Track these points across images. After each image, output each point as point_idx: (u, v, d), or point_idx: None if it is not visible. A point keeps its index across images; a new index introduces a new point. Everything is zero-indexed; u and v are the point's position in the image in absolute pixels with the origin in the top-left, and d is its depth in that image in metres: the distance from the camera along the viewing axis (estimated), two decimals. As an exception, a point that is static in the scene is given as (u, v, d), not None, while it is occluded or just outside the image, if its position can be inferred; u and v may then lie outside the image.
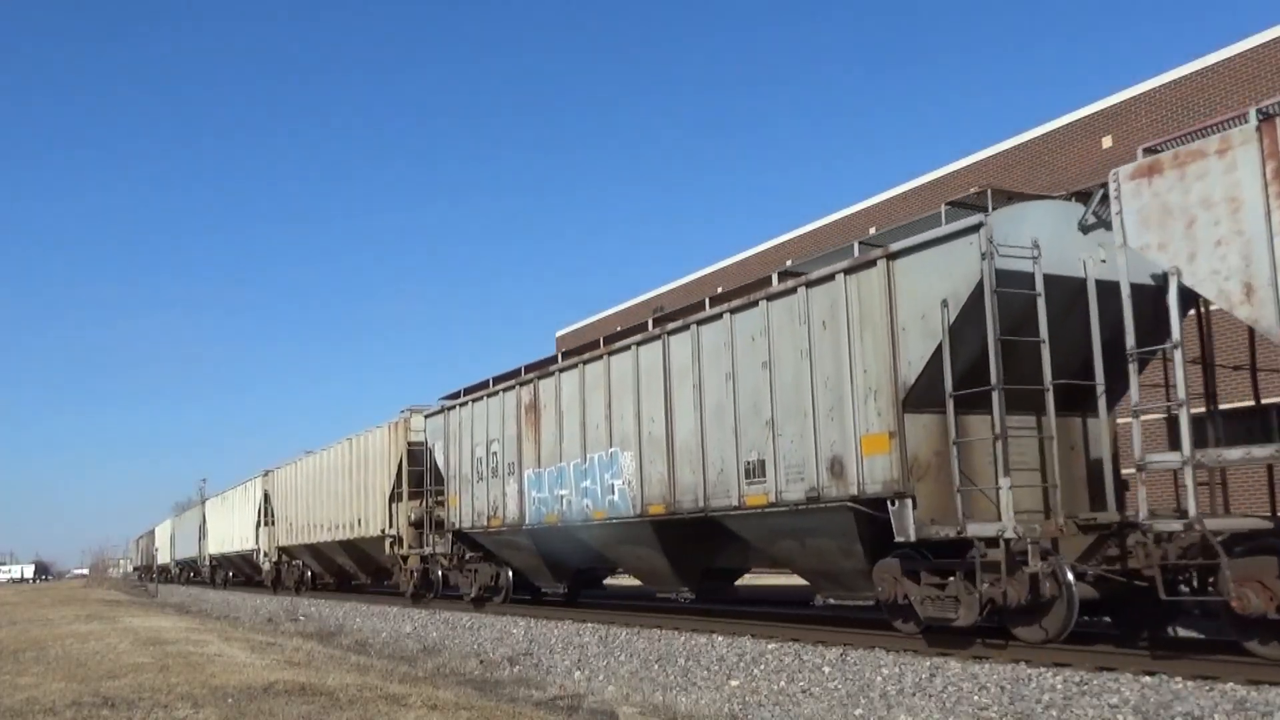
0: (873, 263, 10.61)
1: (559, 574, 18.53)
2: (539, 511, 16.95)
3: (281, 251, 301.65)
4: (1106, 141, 25.99)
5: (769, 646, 11.41)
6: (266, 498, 34.98)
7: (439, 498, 21.54)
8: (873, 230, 32.76)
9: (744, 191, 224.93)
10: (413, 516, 23.20)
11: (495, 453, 18.70)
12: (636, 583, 17.62)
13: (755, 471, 11.99)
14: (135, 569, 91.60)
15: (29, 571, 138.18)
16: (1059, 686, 8.26)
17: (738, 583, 16.90)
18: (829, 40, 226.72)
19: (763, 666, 10.74)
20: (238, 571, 44.73)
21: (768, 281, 12.59)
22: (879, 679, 9.46)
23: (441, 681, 11.61)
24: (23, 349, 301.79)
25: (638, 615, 16.14)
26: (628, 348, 14.67)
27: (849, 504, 10.67)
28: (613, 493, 14.84)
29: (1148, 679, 8.07)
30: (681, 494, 13.28)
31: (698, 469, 12.96)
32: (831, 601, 13.91)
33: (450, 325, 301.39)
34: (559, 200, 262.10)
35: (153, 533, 74.74)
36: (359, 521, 26.24)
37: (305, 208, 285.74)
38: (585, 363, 15.79)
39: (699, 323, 13.17)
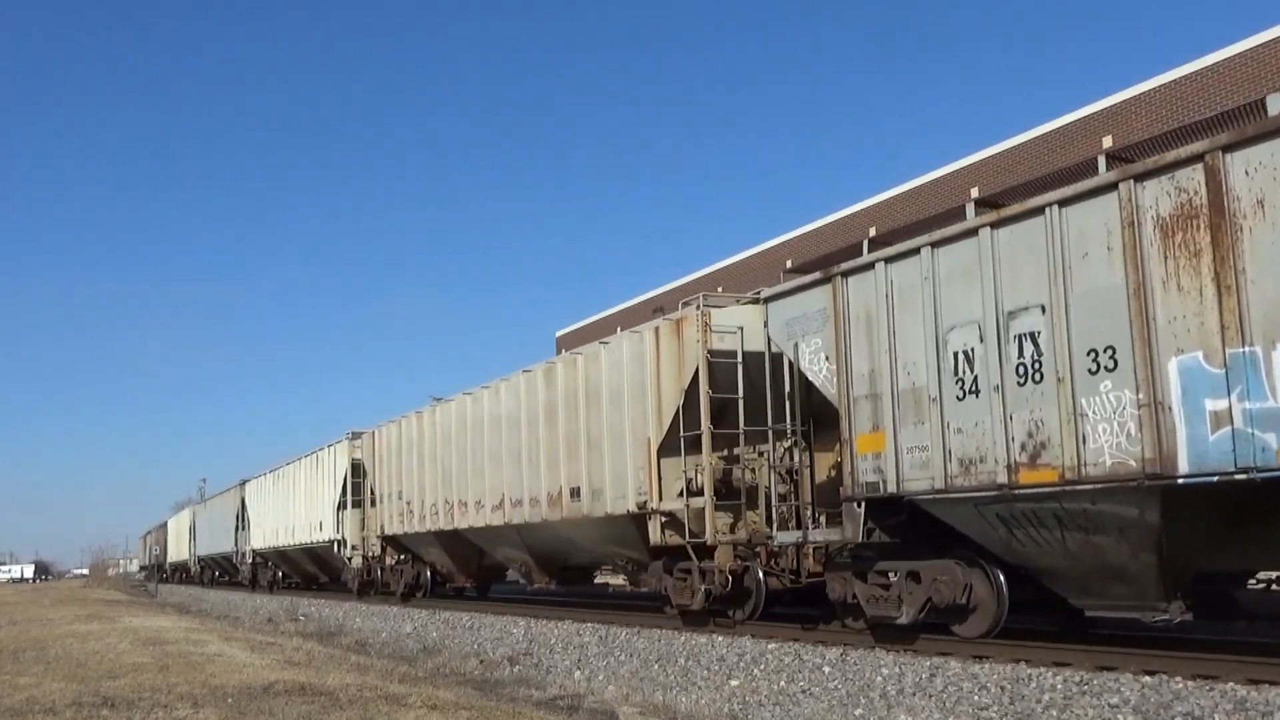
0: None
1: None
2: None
3: (281, 251, 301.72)
4: (1106, 141, 26.00)
5: (769, 646, 11.41)
6: (357, 466, 26.62)
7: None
8: (873, 231, 32.80)
9: (744, 191, 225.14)
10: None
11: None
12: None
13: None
14: (142, 568, 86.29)
15: (29, 571, 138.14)
16: (1059, 686, 8.26)
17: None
18: (829, 40, 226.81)
19: (763, 666, 10.74)
20: (297, 572, 35.54)
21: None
22: (879, 679, 9.46)
23: (441, 681, 11.61)
24: (23, 349, 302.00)
25: (638, 615, 16.14)
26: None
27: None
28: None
29: (1148, 679, 8.07)
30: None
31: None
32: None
33: (450, 325, 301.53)
34: (559, 200, 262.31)
35: (164, 526, 68.75)
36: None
37: (305, 207, 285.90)
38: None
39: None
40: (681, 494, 13.37)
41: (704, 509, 13.02)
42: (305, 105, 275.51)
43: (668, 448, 13.58)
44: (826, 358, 11.02)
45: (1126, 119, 25.75)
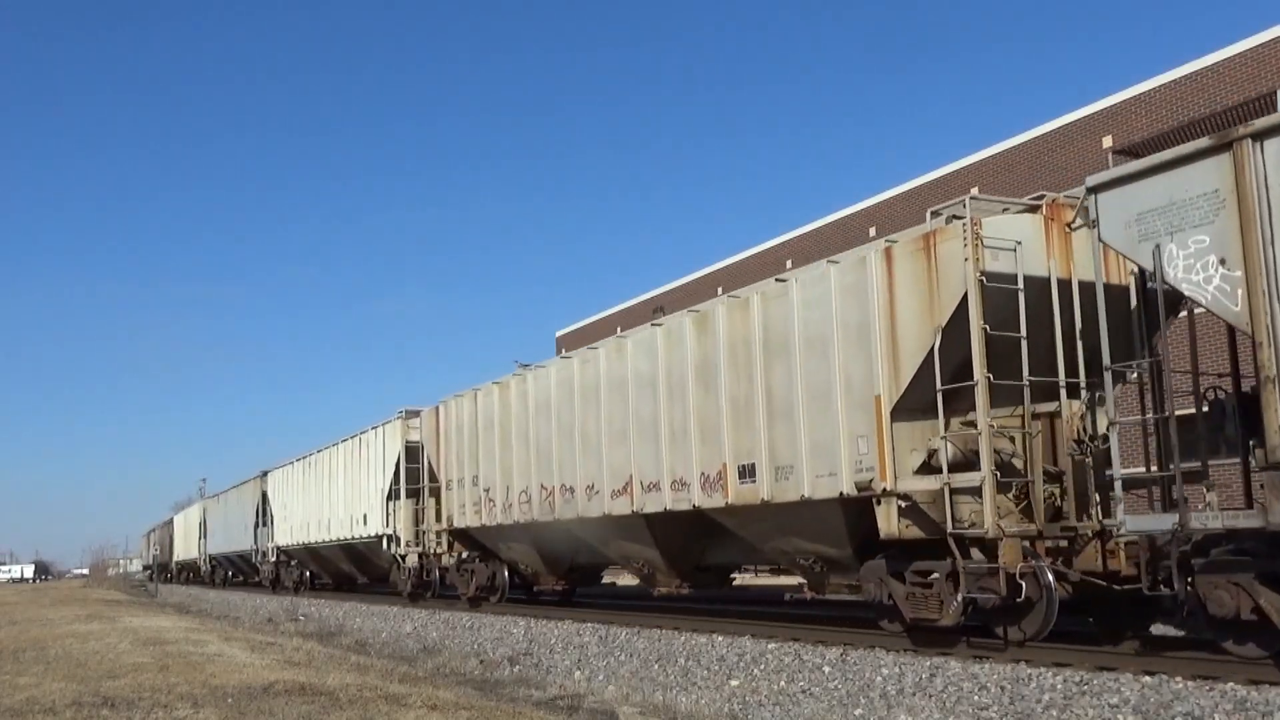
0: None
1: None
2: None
3: (281, 251, 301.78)
4: (1106, 141, 25.99)
5: (769, 646, 11.41)
6: (412, 450, 23.64)
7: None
8: (873, 231, 32.83)
9: (744, 191, 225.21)
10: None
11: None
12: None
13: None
14: (146, 567, 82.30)
15: (29, 571, 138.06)
16: (1059, 686, 8.26)
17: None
18: (829, 40, 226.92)
19: (763, 666, 10.74)
20: (328, 572, 32.30)
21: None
22: (879, 679, 9.46)
23: (441, 681, 11.61)
24: (23, 349, 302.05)
25: (638, 615, 16.15)
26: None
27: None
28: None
29: (1148, 679, 8.07)
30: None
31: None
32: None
33: (450, 325, 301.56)
34: (559, 200, 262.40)
35: (170, 523, 65.94)
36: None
37: (305, 208, 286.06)
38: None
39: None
40: (922, 468, 10.45)
41: (978, 489, 9.79)
42: (305, 105, 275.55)
43: (905, 409, 10.54)
44: (1221, 262, 8.03)
45: (1126, 119, 25.73)
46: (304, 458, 32.01)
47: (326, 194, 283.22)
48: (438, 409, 21.01)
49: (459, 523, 19.86)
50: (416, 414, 22.95)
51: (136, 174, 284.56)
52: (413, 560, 22.84)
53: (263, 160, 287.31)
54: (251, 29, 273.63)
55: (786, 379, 11.84)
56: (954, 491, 9.95)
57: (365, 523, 25.35)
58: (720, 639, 12.33)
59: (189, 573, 58.02)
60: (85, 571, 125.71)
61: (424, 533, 22.25)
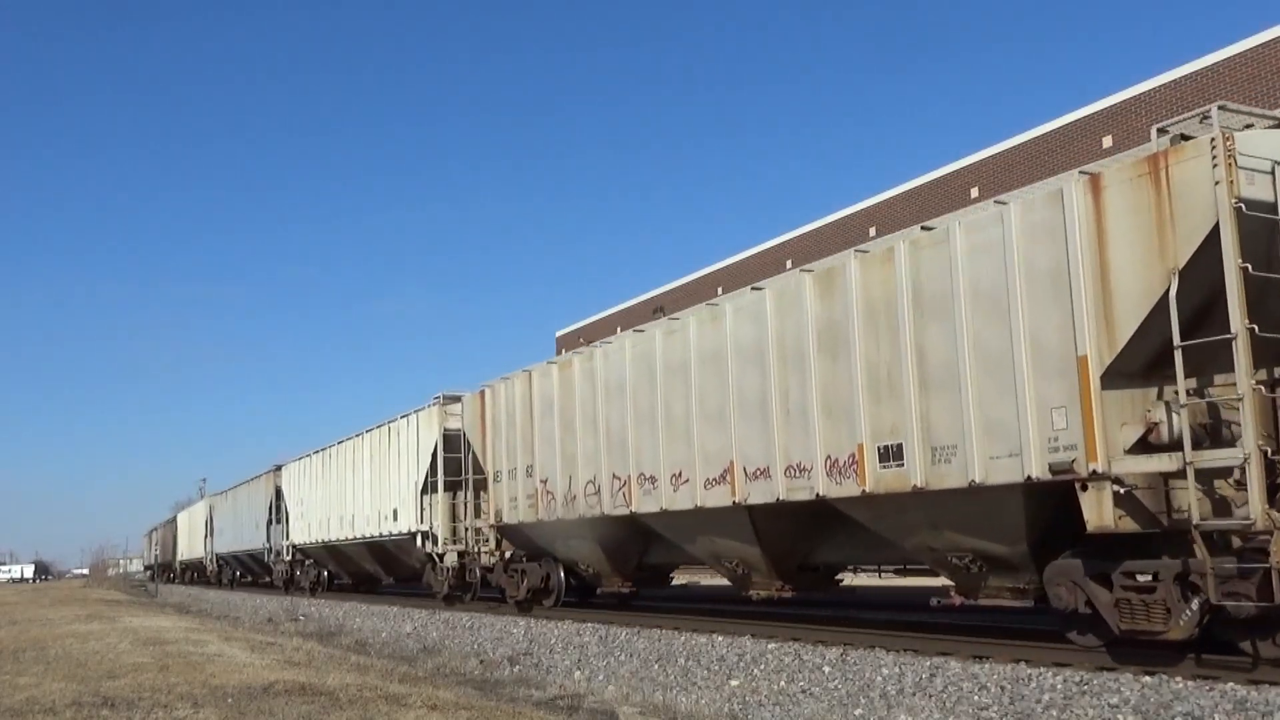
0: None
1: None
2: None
3: (281, 251, 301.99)
4: (1106, 141, 26.02)
5: (769, 646, 11.41)
6: (450, 439, 21.63)
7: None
8: (873, 231, 32.83)
9: (744, 191, 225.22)
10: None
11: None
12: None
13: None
14: (147, 567, 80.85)
15: (29, 571, 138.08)
16: (1059, 686, 8.26)
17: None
18: (829, 40, 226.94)
19: (763, 666, 10.74)
20: (349, 572, 30.17)
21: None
22: (879, 679, 9.46)
23: (441, 681, 11.61)
24: (23, 349, 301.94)
25: (638, 615, 16.15)
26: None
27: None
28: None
29: (1148, 679, 8.06)
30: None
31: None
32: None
33: (450, 325, 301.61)
34: (559, 200, 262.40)
35: (173, 522, 63.04)
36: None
37: (305, 207, 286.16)
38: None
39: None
40: (1137, 446, 8.62)
41: (1222, 470, 8.13)
42: (305, 105, 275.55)
43: (1117, 373, 8.70)
44: None
45: (1126, 119, 25.75)
46: (323, 450, 29.94)
47: (326, 194, 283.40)
48: (483, 393, 19.04)
49: (509, 518, 17.88)
50: (456, 399, 21.03)
51: (136, 174, 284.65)
52: (451, 559, 20.96)
53: (263, 160, 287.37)
54: (252, 29, 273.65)
55: (946, 342, 9.86)
56: (1197, 474, 8.06)
57: (395, 519, 23.52)
58: (720, 639, 12.33)
59: (193, 572, 55.97)
60: (85, 571, 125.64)
61: (466, 529, 20.41)
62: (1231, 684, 7.68)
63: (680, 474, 13.59)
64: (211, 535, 47.69)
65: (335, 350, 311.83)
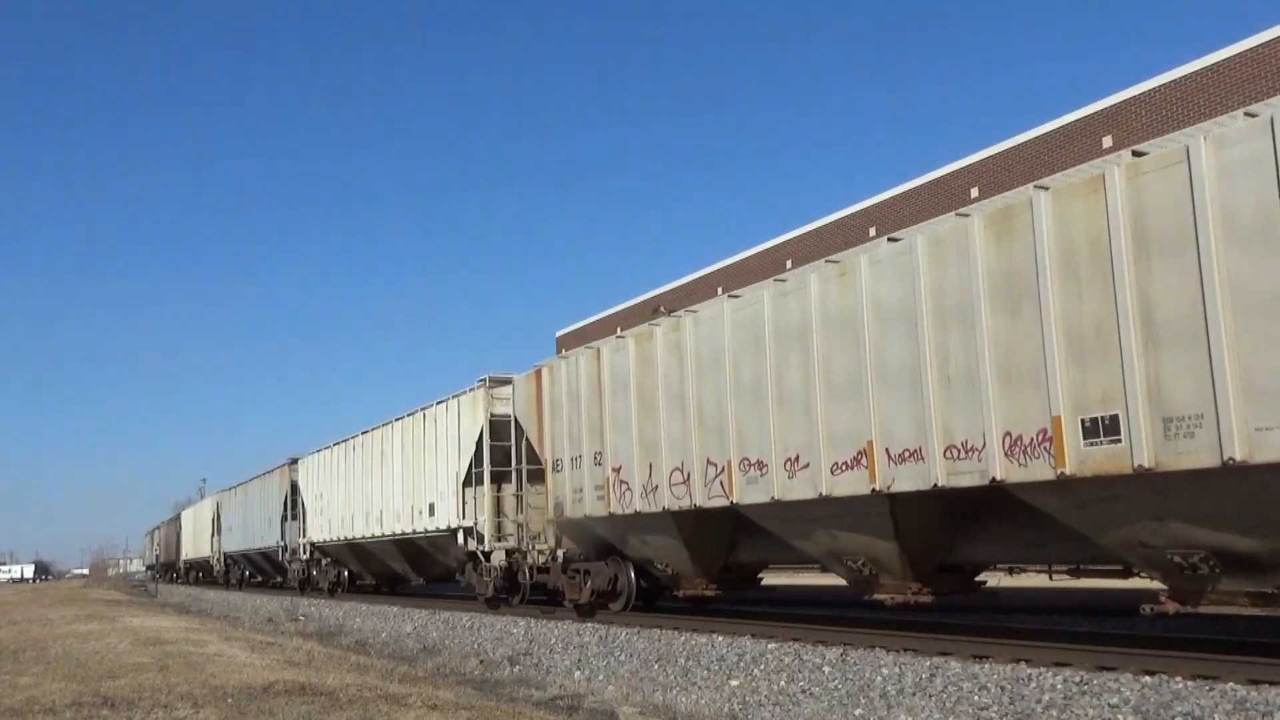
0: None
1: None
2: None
3: (281, 251, 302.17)
4: (1106, 141, 26.03)
5: (769, 646, 11.41)
6: (498, 425, 19.76)
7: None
8: (873, 231, 32.81)
9: (744, 191, 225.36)
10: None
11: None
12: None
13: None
14: (149, 567, 78.29)
15: (29, 571, 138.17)
16: (1059, 686, 8.26)
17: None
18: (829, 40, 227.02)
19: (763, 666, 10.74)
20: (372, 571, 28.58)
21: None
22: (879, 679, 9.46)
23: (441, 681, 11.61)
24: (23, 349, 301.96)
25: (638, 615, 16.15)
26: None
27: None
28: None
29: (1148, 679, 8.07)
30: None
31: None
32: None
33: (450, 325, 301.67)
34: (559, 200, 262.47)
35: (177, 519, 60.72)
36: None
37: (304, 207, 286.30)
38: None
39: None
40: None
41: None
42: (305, 105, 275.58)
43: None
44: None
45: (1126, 119, 25.76)
46: (345, 441, 28.02)
47: (326, 194, 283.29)
48: (540, 372, 17.15)
49: (573, 512, 15.93)
50: (505, 382, 19.27)
51: (137, 173, 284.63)
52: (499, 558, 19.00)
53: (263, 160, 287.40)
54: (253, 28, 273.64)
55: (1185, 286, 8.08)
56: None
57: (432, 514, 21.63)
58: (720, 639, 12.33)
59: (198, 572, 53.86)
60: (85, 571, 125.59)
61: (520, 525, 18.42)
62: (1231, 684, 7.68)
63: (797, 458, 11.68)
64: (219, 533, 45.75)
65: (335, 350, 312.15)
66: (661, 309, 36.00)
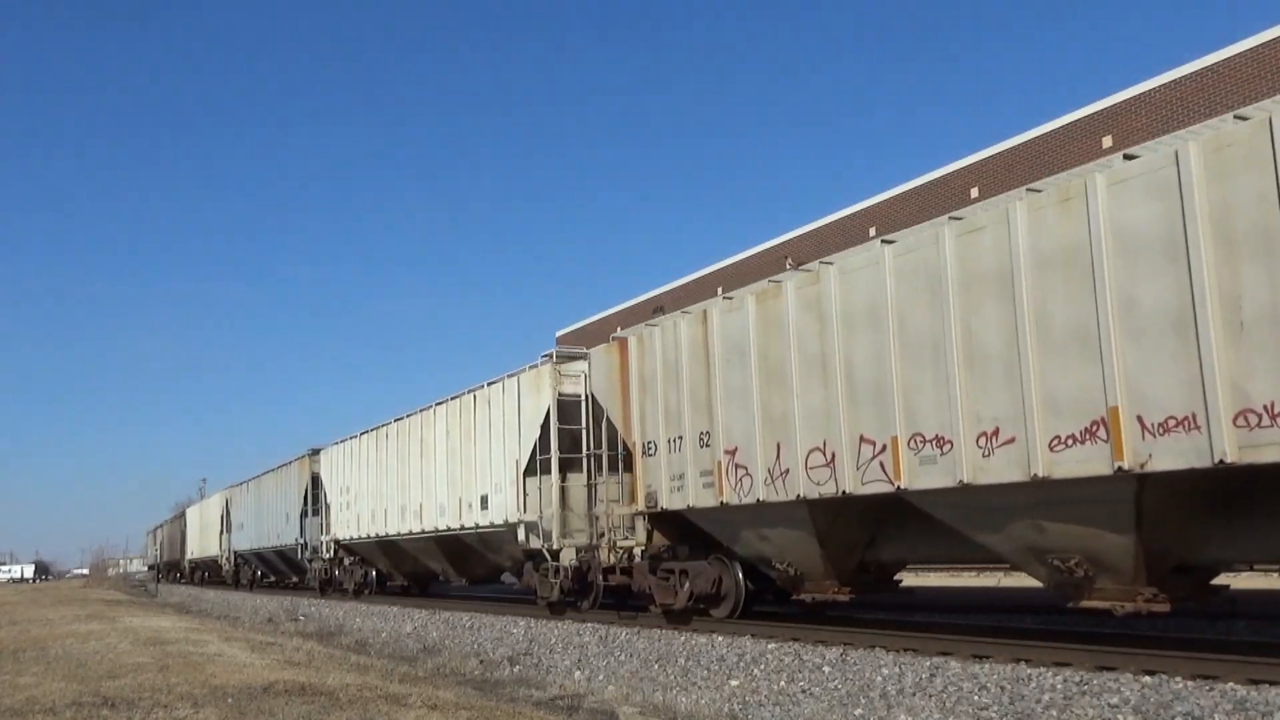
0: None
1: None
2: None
3: (281, 252, 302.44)
4: (1106, 141, 26.03)
5: (769, 646, 11.41)
6: (568, 409, 17.26)
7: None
8: (873, 231, 32.81)
9: (744, 191, 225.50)
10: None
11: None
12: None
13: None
14: (151, 566, 75.62)
15: (29, 571, 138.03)
16: (1059, 686, 8.26)
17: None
18: (829, 39, 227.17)
19: (763, 666, 10.74)
20: (405, 571, 26.36)
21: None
22: (879, 679, 9.46)
23: (441, 681, 11.61)
24: (22, 349, 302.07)
25: (638, 615, 16.15)
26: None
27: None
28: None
29: (1148, 679, 8.07)
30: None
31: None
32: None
33: (450, 325, 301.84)
34: (559, 200, 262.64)
35: (181, 517, 57.85)
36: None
37: (304, 207, 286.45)
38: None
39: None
40: None
41: None
42: (306, 105, 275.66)
43: None
44: None
45: (1126, 119, 25.76)
46: (375, 429, 25.55)
47: (327, 194, 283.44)
48: (625, 342, 15.08)
49: (671, 502, 13.84)
50: (577, 357, 17.23)
51: (137, 173, 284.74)
52: (569, 557, 16.57)
53: (263, 160, 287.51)
54: (253, 28, 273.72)
55: None
56: None
57: (485, 507, 19.25)
58: (720, 639, 12.33)
59: (205, 572, 50.72)
60: (85, 571, 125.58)
61: (598, 518, 16.06)
62: (1231, 684, 7.68)
63: (997, 431, 9.54)
64: (229, 531, 42.33)
65: (335, 350, 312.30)
66: (662, 309, 36.00)
